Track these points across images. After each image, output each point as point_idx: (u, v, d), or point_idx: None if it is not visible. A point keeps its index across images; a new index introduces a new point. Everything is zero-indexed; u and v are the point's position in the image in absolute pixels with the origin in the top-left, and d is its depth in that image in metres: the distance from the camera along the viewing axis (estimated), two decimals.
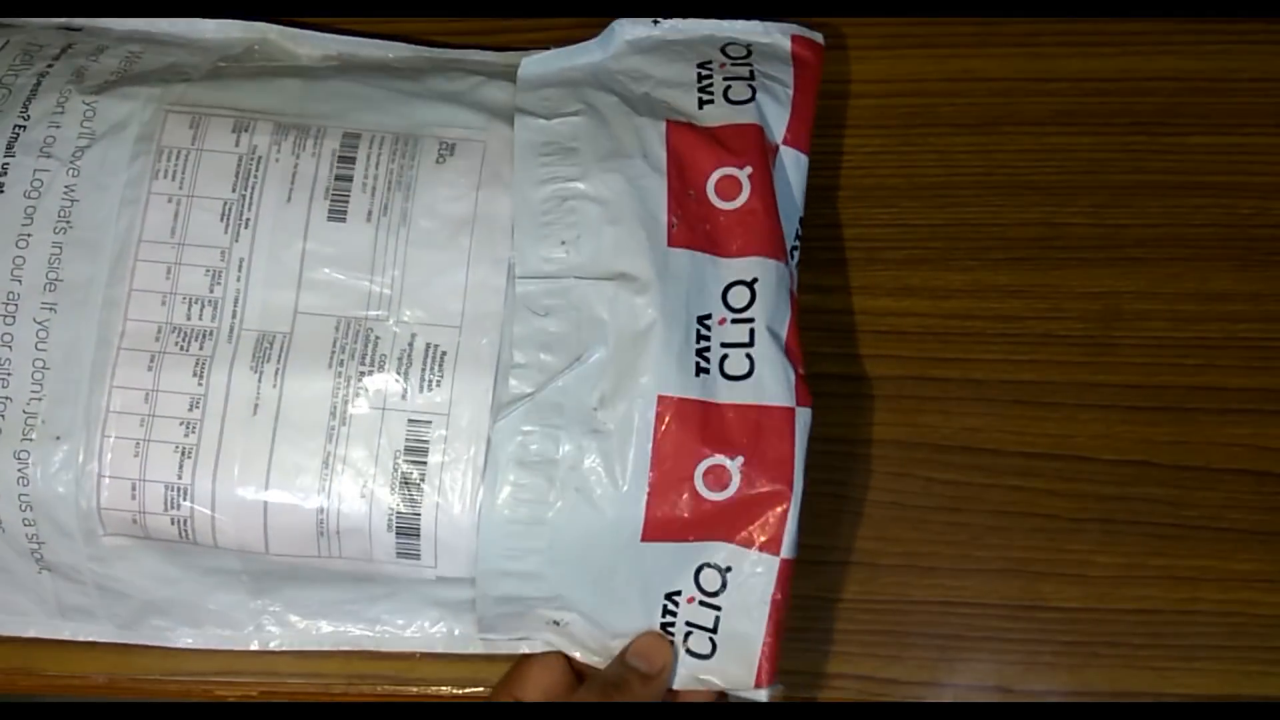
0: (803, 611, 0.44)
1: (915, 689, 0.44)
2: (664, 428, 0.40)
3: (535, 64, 0.45)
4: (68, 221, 0.42)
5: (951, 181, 0.48)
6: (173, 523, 0.41)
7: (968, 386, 0.46)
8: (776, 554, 0.40)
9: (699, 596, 0.41)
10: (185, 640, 0.44)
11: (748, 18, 0.46)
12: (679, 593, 0.41)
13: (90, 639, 0.44)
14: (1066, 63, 0.48)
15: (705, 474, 0.40)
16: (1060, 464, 0.45)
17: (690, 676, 0.41)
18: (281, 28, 0.47)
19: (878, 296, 0.47)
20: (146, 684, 0.45)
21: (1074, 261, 0.47)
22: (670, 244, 0.41)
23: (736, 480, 0.40)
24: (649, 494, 0.40)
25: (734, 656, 0.41)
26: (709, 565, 0.41)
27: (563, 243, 0.42)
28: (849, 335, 0.47)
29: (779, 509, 0.40)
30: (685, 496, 0.40)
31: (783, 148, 0.44)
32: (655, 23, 0.46)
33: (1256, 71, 0.48)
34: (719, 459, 0.40)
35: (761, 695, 0.41)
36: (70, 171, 0.42)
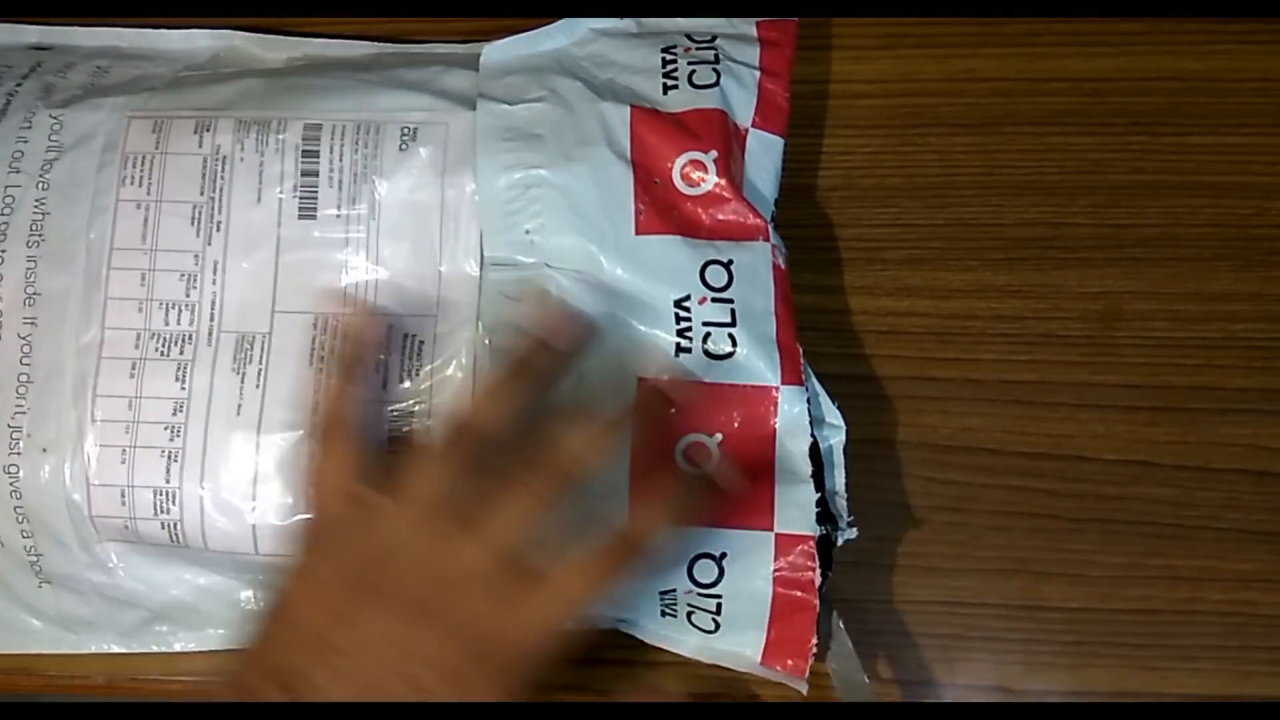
0: None
1: (915, 689, 0.44)
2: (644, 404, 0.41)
3: (497, 50, 0.45)
4: (40, 235, 0.42)
5: (951, 181, 0.48)
6: (163, 527, 0.41)
7: (968, 386, 0.46)
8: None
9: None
10: (186, 645, 0.44)
11: (744, 16, 0.45)
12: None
13: (93, 651, 0.44)
14: (1066, 63, 0.48)
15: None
16: (1060, 464, 0.45)
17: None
18: (248, 33, 0.47)
19: (878, 296, 0.47)
20: (146, 684, 0.45)
21: (1074, 261, 0.47)
22: (638, 232, 0.41)
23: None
24: None
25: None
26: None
27: (527, 231, 0.42)
28: (849, 335, 0.47)
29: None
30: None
31: (751, 130, 0.44)
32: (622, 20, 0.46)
33: (1256, 71, 0.48)
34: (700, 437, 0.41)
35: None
36: (40, 185, 0.42)
